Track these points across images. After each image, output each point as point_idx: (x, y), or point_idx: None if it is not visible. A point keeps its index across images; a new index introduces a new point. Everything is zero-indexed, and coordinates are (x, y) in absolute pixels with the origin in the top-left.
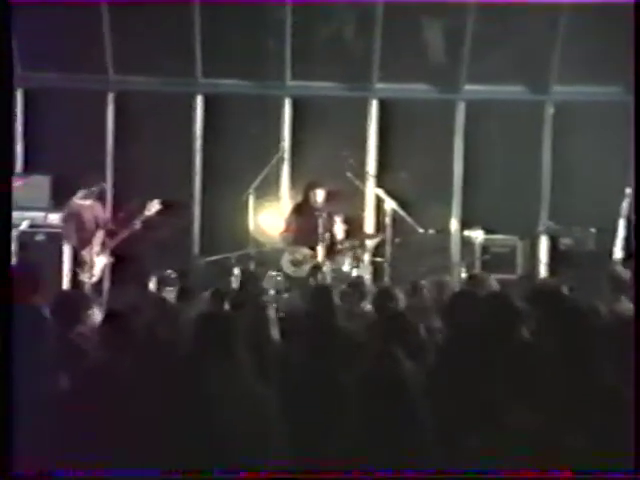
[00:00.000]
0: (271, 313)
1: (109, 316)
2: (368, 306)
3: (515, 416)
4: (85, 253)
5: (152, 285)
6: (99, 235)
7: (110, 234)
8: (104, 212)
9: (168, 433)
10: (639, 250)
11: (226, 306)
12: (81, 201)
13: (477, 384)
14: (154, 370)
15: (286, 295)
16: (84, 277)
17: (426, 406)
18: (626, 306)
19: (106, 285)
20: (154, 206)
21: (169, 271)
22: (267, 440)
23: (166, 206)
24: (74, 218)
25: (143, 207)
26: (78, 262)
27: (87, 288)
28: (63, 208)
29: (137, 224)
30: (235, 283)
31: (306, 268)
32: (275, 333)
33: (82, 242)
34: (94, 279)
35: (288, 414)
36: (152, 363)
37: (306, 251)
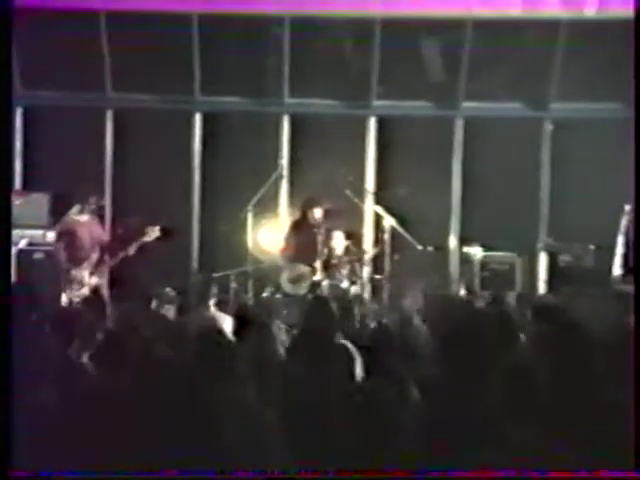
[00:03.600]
0: (275, 330)
1: (109, 333)
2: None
3: (514, 430)
4: (76, 272)
5: (153, 303)
6: (95, 253)
7: (109, 251)
8: (102, 229)
9: (169, 452)
10: (639, 263)
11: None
12: (77, 217)
13: (475, 398)
14: (156, 388)
15: (285, 312)
16: (72, 296)
17: (424, 419)
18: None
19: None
20: (154, 233)
21: (168, 289)
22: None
23: (165, 227)
24: (67, 235)
25: (142, 227)
26: (67, 280)
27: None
28: (57, 224)
29: (133, 249)
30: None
31: (304, 285)
32: (281, 350)
33: (75, 260)
34: (81, 298)
35: (297, 429)
36: (154, 381)
37: (304, 268)
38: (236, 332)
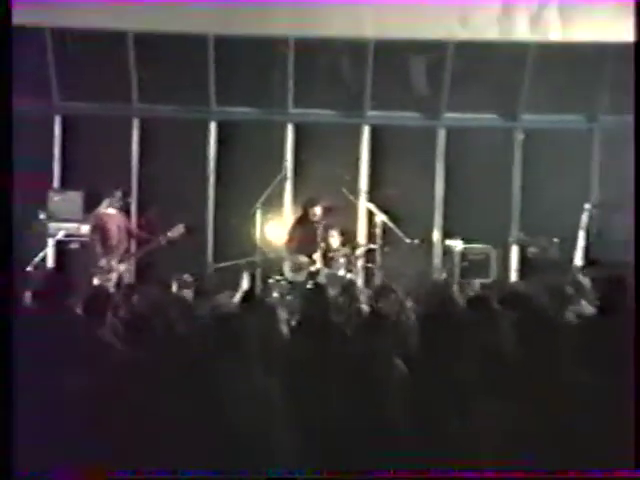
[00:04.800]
0: (280, 313)
1: (135, 314)
2: (363, 306)
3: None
4: (105, 260)
5: (173, 287)
6: (123, 243)
7: (136, 242)
8: (128, 222)
9: (179, 422)
10: (639, 254)
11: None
12: (106, 210)
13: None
14: (173, 364)
15: (289, 297)
16: (101, 281)
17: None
18: (587, 309)
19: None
20: (178, 230)
21: (186, 275)
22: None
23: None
24: (99, 228)
25: (165, 220)
26: (97, 268)
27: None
28: (89, 218)
29: (162, 242)
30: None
31: (304, 273)
32: (284, 330)
33: (106, 249)
34: (110, 283)
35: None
36: (171, 357)
37: (304, 259)
38: (245, 312)
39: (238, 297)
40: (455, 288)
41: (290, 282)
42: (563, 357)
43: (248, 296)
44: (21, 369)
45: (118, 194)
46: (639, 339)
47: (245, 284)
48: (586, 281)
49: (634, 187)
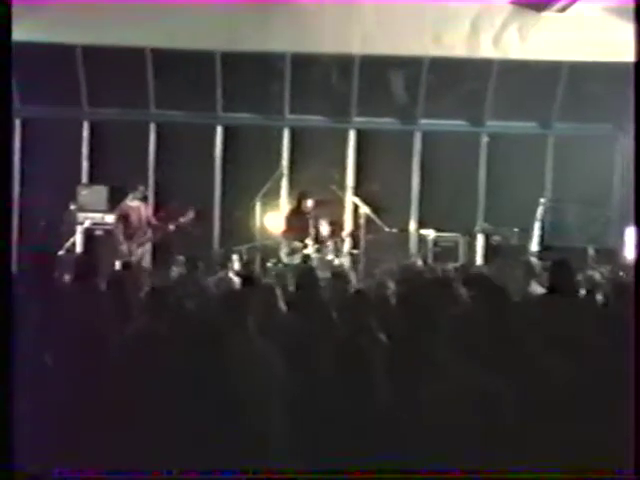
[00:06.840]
0: (277, 290)
1: (153, 290)
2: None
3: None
4: (125, 245)
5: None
6: (142, 230)
7: (153, 229)
8: (147, 212)
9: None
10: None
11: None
12: (130, 203)
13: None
14: (186, 330)
15: (283, 277)
16: (119, 262)
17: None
18: (535, 288)
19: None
20: (189, 214)
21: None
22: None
23: (196, 212)
24: (122, 218)
25: (179, 211)
26: (117, 251)
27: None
28: (116, 209)
29: (173, 227)
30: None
31: (298, 257)
32: (282, 305)
33: (127, 236)
34: (130, 264)
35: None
36: (184, 325)
37: (298, 244)
38: (248, 291)
39: (232, 274)
40: (428, 270)
41: (285, 265)
42: (516, 327)
43: (250, 276)
44: (51, 340)
45: (141, 188)
46: (639, 338)
47: (236, 265)
48: (539, 264)
49: (634, 186)
